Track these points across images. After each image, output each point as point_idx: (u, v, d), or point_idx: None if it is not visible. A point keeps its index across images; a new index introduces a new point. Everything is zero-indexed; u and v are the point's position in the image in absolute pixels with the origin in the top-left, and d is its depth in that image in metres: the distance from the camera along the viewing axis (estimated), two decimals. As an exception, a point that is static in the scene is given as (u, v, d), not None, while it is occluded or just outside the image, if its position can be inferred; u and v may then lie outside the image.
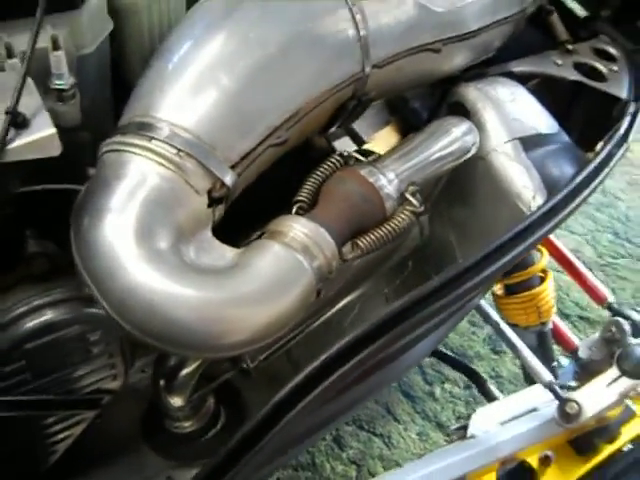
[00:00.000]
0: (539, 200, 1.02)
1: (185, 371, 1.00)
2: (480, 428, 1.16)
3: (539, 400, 1.21)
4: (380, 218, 0.83)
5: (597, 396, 1.12)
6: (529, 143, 1.08)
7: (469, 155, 0.99)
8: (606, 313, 1.82)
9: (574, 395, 1.12)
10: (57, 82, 0.78)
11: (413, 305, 0.94)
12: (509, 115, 1.09)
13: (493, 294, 1.28)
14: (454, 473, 1.12)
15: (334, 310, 1.18)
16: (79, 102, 0.80)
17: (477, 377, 1.36)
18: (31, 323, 0.79)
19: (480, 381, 1.35)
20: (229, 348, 0.71)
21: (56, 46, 0.75)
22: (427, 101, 1.25)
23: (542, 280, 1.25)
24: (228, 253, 0.76)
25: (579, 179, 1.00)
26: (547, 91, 1.24)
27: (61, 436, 0.99)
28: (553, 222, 0.99)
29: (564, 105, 1.26)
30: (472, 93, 1.10)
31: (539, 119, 1.11)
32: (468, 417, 1.61)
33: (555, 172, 1.08)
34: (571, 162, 1.10)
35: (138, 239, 0.70)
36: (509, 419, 1.18)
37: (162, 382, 1.02)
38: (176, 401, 1.03)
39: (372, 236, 0.81)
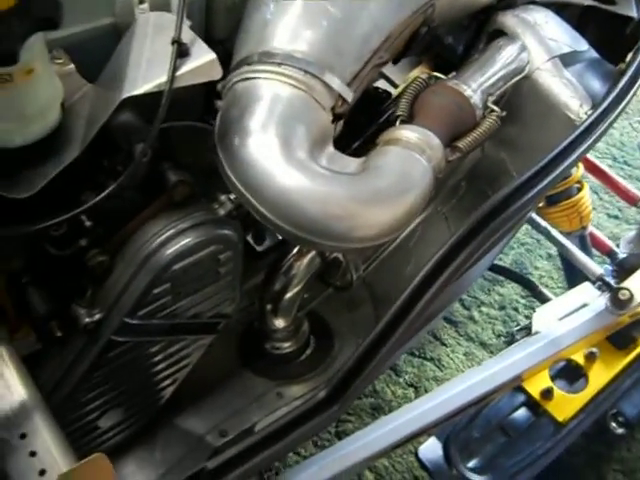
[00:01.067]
0: (586, 108, 1.14)
1: (289, 294, 1.10)
2: (542, 324, 1.29)
3: (588, 296, 1.34)
4: (471, 124, 0.94)
5: (645, 282, 1.26)
6: (567, 60, 1.19)
7: (525, 72, 1.10)
8: (617, 229, 2.00)
9: (624, 283, 1.26)
10: (177, 24, 0.85)
11: (494, 209, 1.05)
12: (546, 36, 1.19)
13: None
14: (526, 365, 1.24)
15: (403, 235, 1.29)
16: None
17: (530, 283, 1.49)
18: (178, 245, 0.87)
19: (533, 286, 1.48)
20: (370, 239, 0.82)
21: (178, -11, 0.83)
22: (460, 35, 1.35)
23: (579, 190, 1.37)
24: (352, 162, 0.86)
25: (621, 85, 1.12)
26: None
27: (182, 364, 1.08)
28: (603, 127, 1.11)
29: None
30: (510, 20, 1.20)
31: (572, 38, 1.22)
32: (507, 334, 1.77)
33: (593, 84, 1.20)
34: (605, 75, 1.22)
35: (282, 151, 0.79)
36: (566, 315, 1.31)
37: (269, 306, 1.11)
38: (280, 322, 1.13)
39: (469, 138, 0.92)
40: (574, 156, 1.09)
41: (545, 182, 1.07)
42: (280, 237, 1.16)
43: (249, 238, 1.14)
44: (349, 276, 1.09)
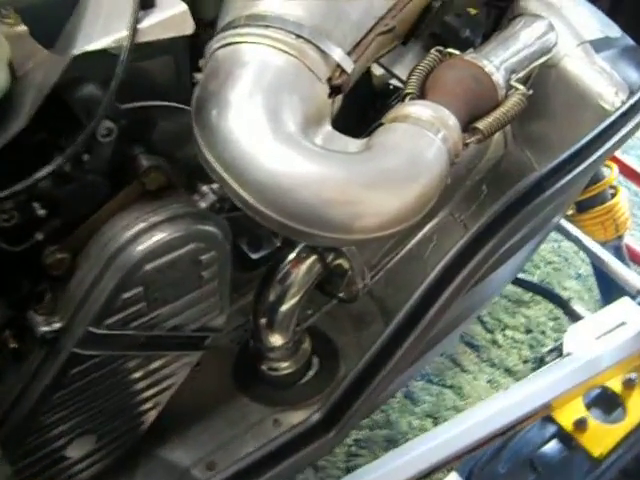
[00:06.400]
0: (622, 97, 1.01)
1: (286, 305, 0.97)
2: (575, 345, 1.14)
3: (627, 313, 1.19)
4: (494, 103, 0.81)
5: (692, 296, 1.12)
6: (599, 46, 1.07)
7: (551, 54, 0.98)
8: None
9: (668, 298, 1.12)
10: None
11: (512, 205, 0.94)
12: (574, 20, 1.07)
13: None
14: (558, 390, 1.10)
15: (412, 243, 1.16)
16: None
17: (559, 299, 1.36)
18: (150, 241, 0.75)
19: (563, 302, 1.35)
20: (374, 229, 0.69)
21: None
22: (477, 28, 1.24)
23: (613, 195, 1.24)
24: (353, 142, 0.73)
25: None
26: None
27: (165, 385, 0.95)
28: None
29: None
30: (533, 4, 1.08)
31: (603, 23, 1.10)
32: (535, 360, 1.62)
33: (629, 72, 1.07)
34: (641, 62, 1.10)
35: (269, 125, 0.68)
36: (601, 334, 1.16)
37: (263, 320, 0.98)
38: (277, 339, 1.00)
39: (490, 119, 0.79)
40: (606, 146, 0.97)
41: (572, 175, 0.95)
42: (279, 243, 1.05)
43: (243, 245, 1.02)
44: (354, 287, 0.96)
